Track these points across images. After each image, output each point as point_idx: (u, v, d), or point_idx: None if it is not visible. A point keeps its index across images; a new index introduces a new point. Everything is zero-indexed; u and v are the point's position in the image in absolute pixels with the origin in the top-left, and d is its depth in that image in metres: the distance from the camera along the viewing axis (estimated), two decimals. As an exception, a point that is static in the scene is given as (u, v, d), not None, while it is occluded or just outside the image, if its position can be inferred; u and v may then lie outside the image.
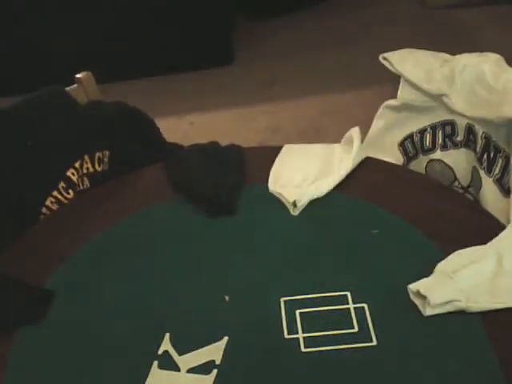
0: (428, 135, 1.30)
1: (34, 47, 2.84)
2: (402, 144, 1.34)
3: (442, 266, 0.93)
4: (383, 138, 1.33)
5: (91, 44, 2.87)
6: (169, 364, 0.86)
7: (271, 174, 1.21)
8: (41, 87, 1.28)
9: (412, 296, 0.91)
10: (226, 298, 0.95)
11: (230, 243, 1.06)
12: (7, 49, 2.83)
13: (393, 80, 1.34)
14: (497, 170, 1.17)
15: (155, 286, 0.99)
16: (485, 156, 1.19)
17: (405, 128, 1.32)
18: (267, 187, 1.18)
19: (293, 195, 1.12)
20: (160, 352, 0.88)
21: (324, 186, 1.14)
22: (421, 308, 0.90)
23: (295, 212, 1.11)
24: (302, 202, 1.11)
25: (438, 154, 1.30)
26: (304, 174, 1.20)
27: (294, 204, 1.10)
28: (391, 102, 1.32)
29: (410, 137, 1.32)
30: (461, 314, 0.89)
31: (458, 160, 1.28)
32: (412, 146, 1.32)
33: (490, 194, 1.17)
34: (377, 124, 1.37)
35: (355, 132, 1.23)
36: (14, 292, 0.98)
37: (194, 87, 2.94)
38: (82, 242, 1.10)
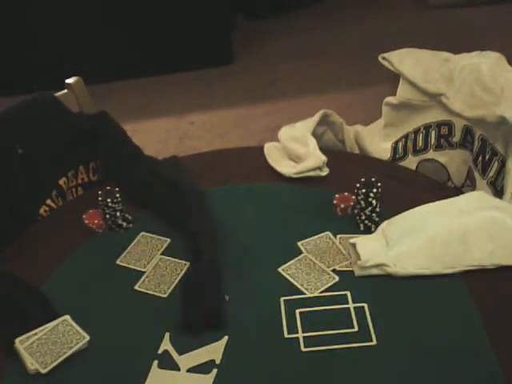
0: (421, 135, 1.30)
1: (34, 47, 2.84)
2: (395, 143, 1.33)
3: (386, 229, 0.99)
4: (382, 136, 1.33)
5: (92, 44, 2.87)
6: (169, 364, 0.86)
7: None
8: (41, 87, 1.28)
9: (350, 249, 0.99)
10: (226, 297, 0.95)
11: (230, 241, 1.06)
12: (7, 49, 2.83)
13: (393, 80, 1.34)
14: (491, 172, 1.16)
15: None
16: (480, 158, 1.19)
17: (403, 127, 1.32)
18: (267, 186, 1.19)
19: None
20: (160, 352, 0.88)
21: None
22: (352, 264, 0.98)
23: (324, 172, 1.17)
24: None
25: (430, 154, 1.30)
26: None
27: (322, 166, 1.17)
28: (391, 99, 1.32)
29: (406, 136, 1.32)
30: (461, 314, 0.89)
31: (453, 160, 1.28)
32: (402, 147, 1.32)
33: None
34: (377, 122, 1.37)
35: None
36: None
37: (194, 87, 2.94)
38: (82, 242, 1.10)
